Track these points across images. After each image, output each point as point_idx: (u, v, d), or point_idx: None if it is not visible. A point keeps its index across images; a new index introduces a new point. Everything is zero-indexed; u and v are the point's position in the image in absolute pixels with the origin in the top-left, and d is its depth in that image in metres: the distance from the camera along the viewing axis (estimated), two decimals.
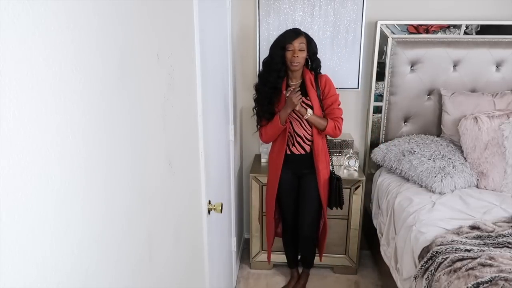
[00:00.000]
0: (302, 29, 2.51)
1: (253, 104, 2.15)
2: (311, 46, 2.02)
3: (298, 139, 2.12)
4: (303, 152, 2.13)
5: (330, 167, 2.21)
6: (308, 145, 2.13)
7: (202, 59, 1.33)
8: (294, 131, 2.11)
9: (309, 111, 2.02)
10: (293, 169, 2.18)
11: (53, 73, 0.51)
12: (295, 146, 2.14)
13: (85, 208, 0.61)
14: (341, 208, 2.23)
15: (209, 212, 1.47)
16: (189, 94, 1.24)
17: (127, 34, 0.76)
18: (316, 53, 2.07)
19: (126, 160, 0.77)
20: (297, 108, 2.00)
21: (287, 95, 2.02)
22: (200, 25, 1.29)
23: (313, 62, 2.07)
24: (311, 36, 2.56)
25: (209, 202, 1.49)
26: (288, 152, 2.15)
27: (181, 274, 1.20)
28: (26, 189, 0.47)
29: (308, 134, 2.11)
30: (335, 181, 2.16)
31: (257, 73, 2.32)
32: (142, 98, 0.84)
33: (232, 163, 2.23)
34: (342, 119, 2.11)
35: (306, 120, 2.05)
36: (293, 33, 1.99)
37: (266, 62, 2.07)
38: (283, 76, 2.05)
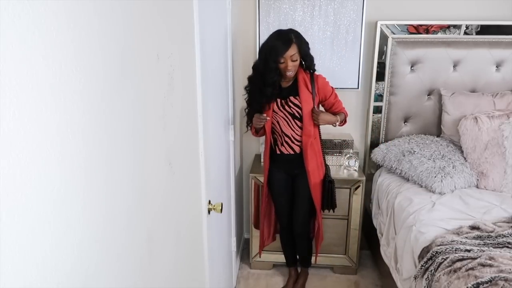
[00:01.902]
0: (302, 29, 2.52)
1: None
2: (303, 49, 1.95)
3: (286, 139, 2.10)
4: (292, 152, 2.11)
5: (325, 168, 2.19)
6: (297, 145, 2.10)
7: (202, 59, 1.33)
8: (282, 131, 2.09)
9: (337, 122, 2.08)
10: (285, 169, 2.17)
11: (53, 73, 0.51)
12: (284, 146, 2.12)
13: (85, 208, 0.61)
14: (333, 211, 2.23)
15: (209, 212, 1.47)
16: (189, 94, 1.24)
17: (127, 34, 0.76)
18: (308, 53, 2.00)
19: (126, 160, 0.77)
20: (327, 120, 2.04)
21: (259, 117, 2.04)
22: (200, 25, 1.29)
23: (306, 61, 2.02)
24: (311, 36, 2.56)
25: (209, 202, 1.49)
26: (278, 152, 2.15)
27: (181, 274, 1.20)
28: (26, 189, 0.47)
29: (297, 134, 2.08)
30: (327, 183, 2.14)
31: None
32: (142, 98, 0.84)
33: (232, 163, 2.23)
34: (344, 107, 2.16)
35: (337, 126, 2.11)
36: (284, 45, 1.89)
37: (258, 71, 2.00)
38: (277, 87, 2.02)
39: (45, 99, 0.50)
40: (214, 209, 1.50)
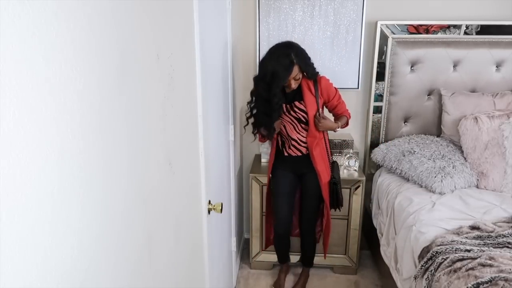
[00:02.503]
0: (302, 29, 2.52)
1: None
2: (303, 65, 1.92)
3: (293, 142, 2.13)
4: (299, 154, 2.15)
5: (331, 168, 2.21)
6: (304, 147, 2.13)
7: (202, 59, 1.33)
8: (288, 135, 2.12)
9: (338, 128, 2.10)
10: (292, 169, 2.20)
11: (53, 73, 0.51)
12: (291, 149, 2.16)
13: (85, 208, 0.61)
14: (340, 210, 2.26)
15: (209, 212, 1.47)
16: (189, 94, 1.24)
17: (127, 34, 0.76)
18: (308, 67, 1.96)
19: (126, 160, 0.77)
20: (328, 126, 2.05)
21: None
22: (200, 25, 1.29)
23: (307, 73, 1.98)
24: (311, 36, 2.56)
25: (209, 202, 1.49)
26: (286, 154, 2.18)
27: (181, 274, 1.20)
28: (26, 189, 0.47)
29: (303, 137, 2.11)
30: (332, 185, 2.17)
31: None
32: (142, 98, 0.84)
33: (232, 163, 2.23)
34: (347, 109, 2.17)
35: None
36: (286, 70, 1.87)
37: (262, 96, 1.96)
38: (282, 103, 2.02)
39: (45, 99, 0.50)
40: (214, 209, 1.50)
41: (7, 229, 0.44)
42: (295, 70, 1.89)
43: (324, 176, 2.14)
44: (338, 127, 2.09)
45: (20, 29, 0.45)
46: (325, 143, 2.17)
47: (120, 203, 0.75)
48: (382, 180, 2.42)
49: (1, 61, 0.42)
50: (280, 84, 1.91)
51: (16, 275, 0.46)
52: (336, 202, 2.20)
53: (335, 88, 2.10)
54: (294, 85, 1.95)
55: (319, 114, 2.03)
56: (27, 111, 0.46)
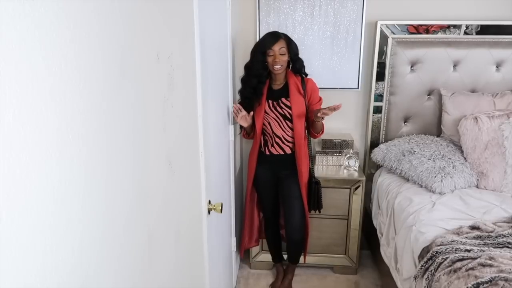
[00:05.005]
0: (302, 29, 2.53)
1: None
2: (292, 48, 2.02)
3: (277, 140, 2.13)
4: (282, 152, 2.14)
5: (310, 169, 2.22)
6: (287, 146, 2.13)
7: (202, 59, 1.33)
8: (273, 132, 2.11)
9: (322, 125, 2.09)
10: (273, 169, 2.20)
11: (53, 73, 0.51)
12: (274, 147, 2.14)
13: (85, 208, 0.61)
14: (319, 212, 2.25)
15: (209, 212, 1.47)
16: (189, 94, 1.24)
17: (127, 34, 0.76)
18: (297, 53, 2.07)
19: (126, 160, 0.77)
20: (322, 112, 1.92)
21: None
22: (200, 25, 1.29)
23: (295, 62, 2.07)
24: (311, 36, 2.57)
25: (209, 202, 1.49)
26: (267, 153, 2.17)
27: (181, 274, 1.20)
28: (26, 189, 0.47)
29: (287, 135, 2.11)
30: (314, 185, 2.17)
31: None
32: (142, 98, 0.84)
33: (232, 163, 2.23)
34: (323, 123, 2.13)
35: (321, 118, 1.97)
36: (273, 38, 1.99)
37: (247, 67, 2.08)
38: (264, 81, 2.07)
39: (45, 99, 0.50)
40: (214, 209, 1.50)
41: (7, 229, 0.44)
42: (282, 43, 1.98)
43: (305, 176, 2.15)
44: (322, 124, 2.07)
45: (20, 29, 0.45)
46: (307, 145, 2.18)
47: (120, 203, 0.75)
48: (382, 180, 2.42)
49: (1, 61, 0.42)
50: (264, 50, 1.97)
51: (16, 275, 0.46)
52: (317, 203, 2.19)
53: (320, 97, 2.13)
54: (278, 58, 1.97)
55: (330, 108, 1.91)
56: (27, 111, 0.46)
